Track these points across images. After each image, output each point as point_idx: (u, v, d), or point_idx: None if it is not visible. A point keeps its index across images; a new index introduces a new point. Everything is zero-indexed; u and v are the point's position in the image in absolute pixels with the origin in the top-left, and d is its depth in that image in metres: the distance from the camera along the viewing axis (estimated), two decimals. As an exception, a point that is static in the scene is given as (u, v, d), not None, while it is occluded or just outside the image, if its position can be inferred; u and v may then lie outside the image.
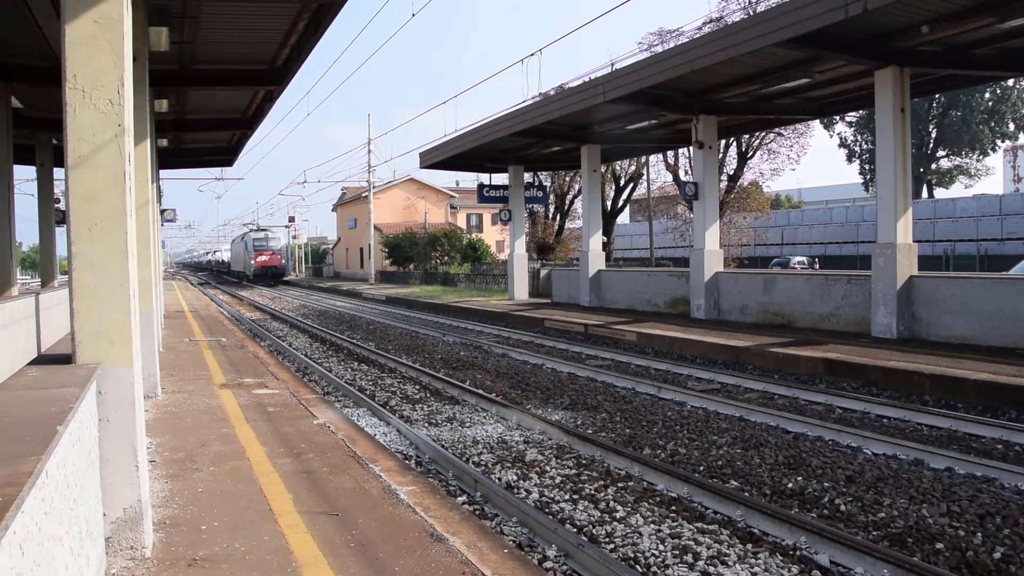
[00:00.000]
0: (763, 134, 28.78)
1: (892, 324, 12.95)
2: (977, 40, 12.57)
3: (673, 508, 5.88)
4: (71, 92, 3.95)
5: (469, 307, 23.99)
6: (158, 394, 9.36)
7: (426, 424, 9.01)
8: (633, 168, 35.30)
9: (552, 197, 35.90)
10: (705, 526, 5.46)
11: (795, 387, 10.33)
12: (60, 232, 18.34)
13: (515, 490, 6.40)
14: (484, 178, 28.75)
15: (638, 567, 4.85)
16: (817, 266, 40.27)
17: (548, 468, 6.99)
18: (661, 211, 44.34)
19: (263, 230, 60.16)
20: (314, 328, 21.09)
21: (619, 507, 5.88)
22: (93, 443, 3.88)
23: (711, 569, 4.76)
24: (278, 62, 13.37)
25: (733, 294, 17.19)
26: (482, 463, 7.26)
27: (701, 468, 6.94)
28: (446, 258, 46.07)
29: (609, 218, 35.05)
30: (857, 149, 57.14)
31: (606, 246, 30.37)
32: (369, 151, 50.59)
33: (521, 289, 26.39)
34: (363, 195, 54.96)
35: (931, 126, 53.01)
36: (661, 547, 5.11)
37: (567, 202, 37.44)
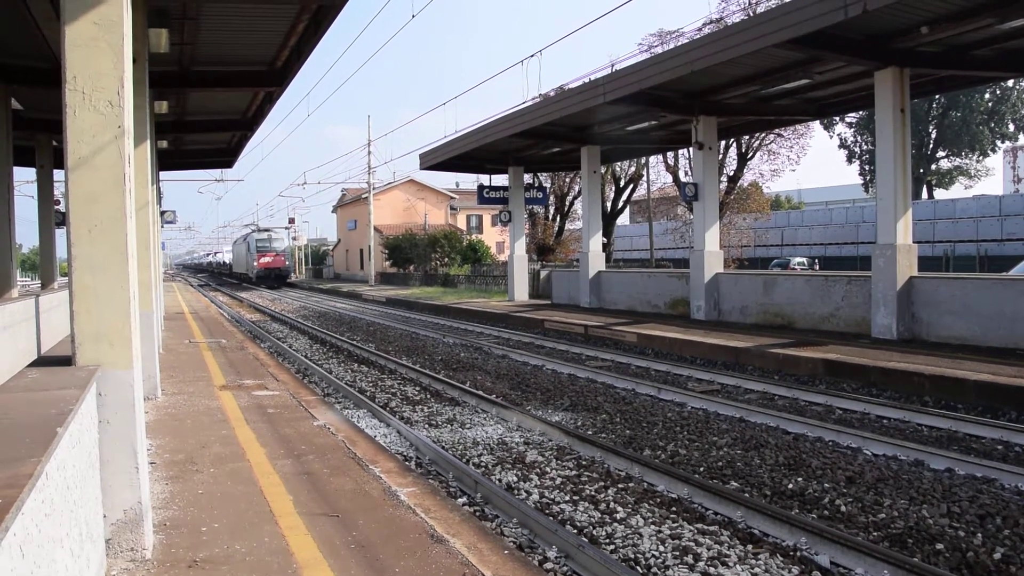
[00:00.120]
0: (763, 135, 28.79)
1: (892, 325, 12.95)
2: (977, 41, 12.57)
3: (673, 509, 5.88)
4: (71, 94, 3.95)
5: (469, 308, 23.99)
6: (158, 396, 9.36)
7: (426, 425, 9.01)
8: (633, 169, 35.32)
9: (552, 198, 35.91)
10: (705, 527, 5.46)
11: (795, 388, 10.33)
12: (60, 234, 18.35)
13: (515, 491, 6.40)
14: (484, 179, 28.81)
15: (638, 568, 4.85)
16: (817, 267, 40.25)
17: (548, 469, 6.99)
18: (661, 212, 44.36)
19: (266, 230, 58.25)
20: (314, 329, 21.09)
21: (619, 508, 5.88)
22: (93, 445, 3.88)
23: (712, 570, 4.76)
24: (278, 63, 13.38)
25: (733, 295, 17.19)
26: (482, 464, 7.26)
27: (701, 469, 6.93)
28: (446, 259, 46.06)
29: (609, 219, 35.06)
30: (857, 150, 57.13)
31: (606, 247, 30.38)
32: (369, 152, 50.60)
33: (521, 290, 26.39)
34: (363, 196, 54.91)
35: (931, 127, 53.00)
36: (661, 548, 5.11)
37: (567, 203, 37.45)
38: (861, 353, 11.53)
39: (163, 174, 26.47)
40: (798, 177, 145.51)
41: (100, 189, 4.02)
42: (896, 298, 12.93)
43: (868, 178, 55.78)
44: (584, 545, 4.95)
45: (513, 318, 20.76)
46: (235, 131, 20.29)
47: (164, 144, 19.07)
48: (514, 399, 10.33)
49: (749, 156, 30.42)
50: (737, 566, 4.79)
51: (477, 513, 5.80)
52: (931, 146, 53.57)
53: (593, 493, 6.27)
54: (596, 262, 22.32)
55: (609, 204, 35.55)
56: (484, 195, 27.28)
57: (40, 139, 17.74)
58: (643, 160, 33.62)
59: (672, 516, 5.72)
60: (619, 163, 34.14)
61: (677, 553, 5.01)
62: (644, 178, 35.42)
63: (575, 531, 5.45)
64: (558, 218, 37.97)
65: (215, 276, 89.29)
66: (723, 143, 27.93)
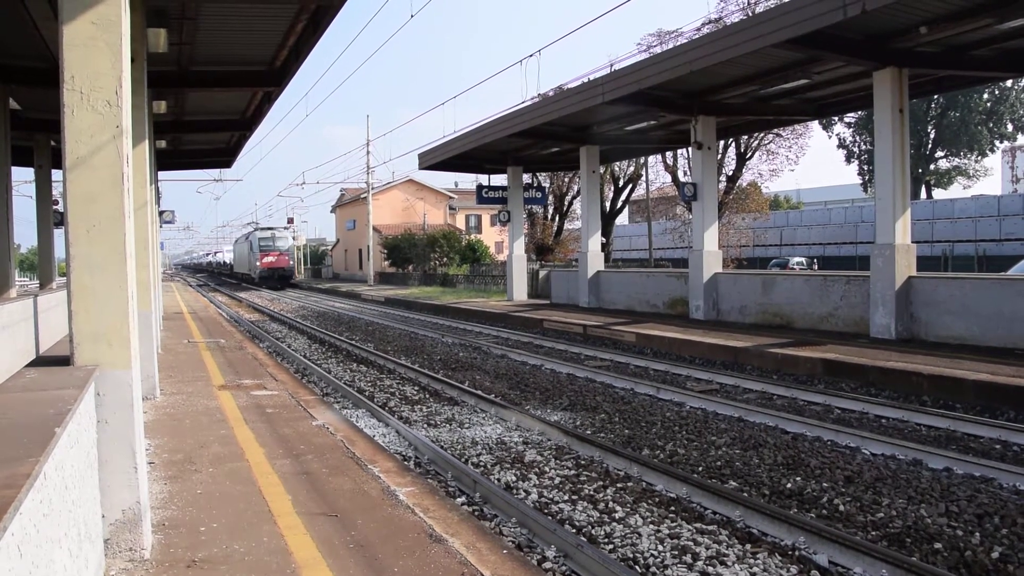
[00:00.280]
0: (762, 135, 28.80)
1: (891, 324, 12.96)
2: (976, 41, 12.58)
3: (672, 508, 5.88)
4: (69, 93, 3.95)
5: (468, 308, 23.99)
6: (157, 396, 9.35)
7: (425, 425, 9.01)
8: (632, 169, 35.33)
9: (551, 198, 35.91)
10: (704, 526, 5.46)
11: (794, 387, 10.33)
12: (58, 234, 18.33)
13: (514, 491, 6.40)
14: (483, 179, 28.82)
15: (637, 567, 4.85)
16: (816, 267, 40.29)
17: (547, 469, 7.00)
18: (660, 212, 44.36)
19: (269, 229, 55.73)
20: (313, 329, 21.09)
21: (618, 507, 5.88)
22: (91, 445, 3.88)
23: (710, 569, 4.76)
24: (277, 63, 13.37)
25: (732, 295, 17.20)
26: (481, 464, 7.26)
27: (700, 468, 6.94)
28: (445, 259, 46.06)
29: (608, 219, 35.07)
30: (856, 150, 57.15)
31: (605, 247, 30.40)
32: (368, 152, 50.60)
33: (520, 290, 26.39)
34: (362, 196, 54.88)
35: (930, 127, 53.02)
36: (660, 547, 5.11)
37: (566, 203, 37.44)
38: (860, 353, 11.54)
39: (162, 174, 26.47)
40: (797, 177, 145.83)
41: (98, 189, 4.02)
42: (895, 298, 12.94)
43: (867, 178, 55.81)
44: (583, 544, 4.95)
45: (512, 318, 20.76)
46: (234, 131, 20.28)
47: (163, 144, 19.06)
48: (513, 399, 10.33)
49: (748, 156, 30.44)
50: (736, 565, 4.80)
51: (476, 513, 5.80)
52: (930, 146, 53.60)
53: (592, 492, 6.27)
54: (595, 262, 22.32)
55: (608, 204, 35.55)
56: (483, 195, 27.28)
57: (38, 139, 17.72)
58: (642, 160, 33.64)
59: (671, 515, 5.72)
60: (618, 163, 34.15)
61: (676, 552, 5.02)
62: (643, 178, 35.45)
63: (574, 530, 5.45)
64: (557, 218, 37.98)
65: (214, 276, 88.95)
66: (722, 143, 27.93)
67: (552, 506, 6.02)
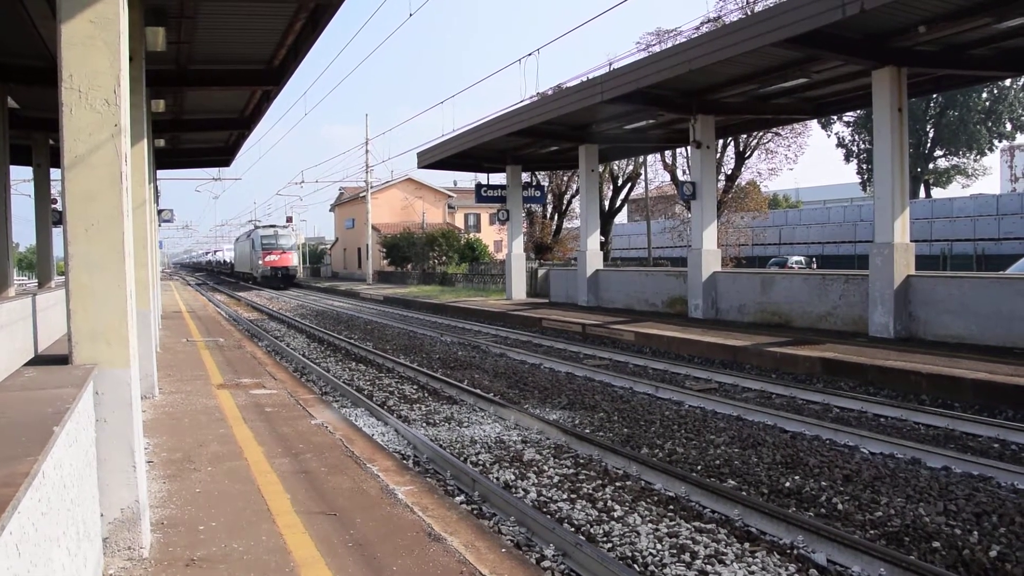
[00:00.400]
0: (761, 134, 28.81)
1: (889, 323, 12.97)
2: (974, 40, 12.59)
3: (671, 507, 5.89)
4: (67, 92, 3.95)
5: (467, 307, 23.99)
6: (155, 394, 9.35)
7: (424, 424, 9.01)
8: (631, 168, 35.33)
9: (550, 197, 35.91)
10: (703, 525, 5.47)
11: (793, 386, 10.34)
12: (57, 233, 18.31)
13: (513, 489, 6.40)
14: (482, 178, 28.75)
15: (636, 566, 4.86)
16: (815, 266, 40.31)
17: (546, 467, 7.00)
18: (659, 211, 44.35)
19: (272, 227, 53.43)
20: (312, 328, 21.08)
21: (617, 506, 5.88)
22: (90, 444, 3.88)
23: (709, 568, 4.76)
24: (275, 62, 13.36)
25: (731, 294, 17.20)
26: (480, 463, 7.26)
27: (699, 467, 6.94)
28: (444, 258, 46.06)
29: (607, 218, 35.08)
30: (855, 149, 57.15)
31: (604, 246, 30.41)
32: (367, 151, 50.63)
33: (519, 289, 26.39)
34: (361, 195, 54.84)
35: (928, 126, 53.03)
36: (659, 546, 5.12)
37: (565, 202, 37.44)
38: (858, 352, 11.55)
39: (160, 173, 26.48)
40: (796, 176, 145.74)
41: (97, 188, 4.02)
42: (893, 297, 12.95)
43: (866, 177, 55.81)
44: (581, 543, 4.96)
45: (511, 317, 20.76)
46: (232, 130, 20.27)
47: (161, 143, 19.06)
48: (512, 397, 10.33)
49: (747, 155, 30.44)
50: (734, 564, 4.80)
51: (475, 511, 5.80)
52: (928, 145, 53.61)
53: (591, 491, 6.28)
54: (594, 261, 22.33)
55: (607, 203, 35.57)
56: (482, 194, 27.28)
57: (37, 138, 17.72)
58: (641, 159, 33.65)
59: (669, 514, 5.72)
60: (617, 162, 34.15)
61: (674, 551, 5.02)
62: (642, 177, 35.46)
63: (572, 529, 5.45)
64: (556, 217, 37.98)
65: (213, 275, 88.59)
66: (721, 142, 27.94)
67: (551, 505, 6.02)
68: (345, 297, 38.02)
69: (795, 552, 4.96)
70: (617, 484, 6.46)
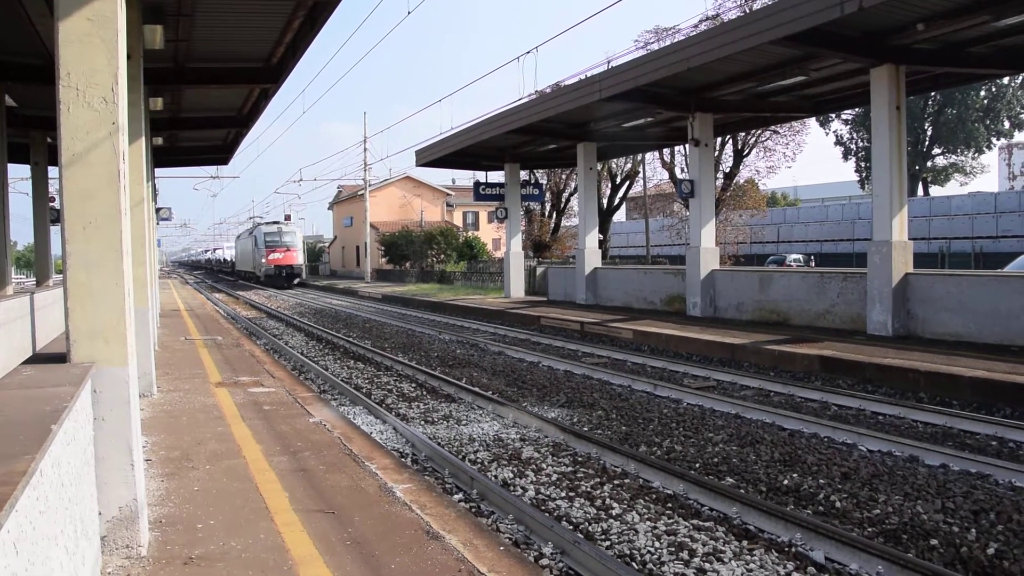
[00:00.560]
0: (759, 132, 28.81)
1: (888, 321, 12.98)
2: (973, 38, 12.59)
3: (669, 505, 5.89)
4: (65, 90, 3.94)
5: (465, 305, 24.00)
6: (154, 393, 9.35)
7: (422, 422, 9.01)
8: (629, 166, 35.34)
9: (548, 195, 35.91)
10: (701, 523, 5.47)
11: (791, 384, 10.35)
12: (55, 231, 18.29)
13: (511, 487, 6.41)
14: (480, 176, 28.77)
15: (634, 564, 4.86)
16: (813, 264, 40.32)
17: (544, 465, 7.00)
18: (657, 209, 44.35)
19: (275, 223, 51.24)
20: (310, 326, 21.08)
21: (615, 504, 5.88)
22: (88, 442, 3.88)
23: (707, 566, 4.77)
24: (274, 60, 13.34)
25: (729, 292, 17.21)
26: (478, 461, 7.26)
27: (697, 465, 6.95)
28: (442, 256, 46.07)
29: (605, 216, 35.09)
30: (853, 147, 57.18)
31: (602, 244, 30.42)
32: (365, 149, 50.63)
33: (517, 287, 26.40)
34: (359, 193, 54.81)
35: (927, 124, 53.07)
36: (657, 544, 5.12)
37: (563, 200, 37.45)
38: (856, 350, 11.56)
39: (158, 171, 26.44)
40: (794, 174, 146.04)
41: (95, 186, 4.01)
42: (891, 295, 12.96)
43: (864, 175, 55.85)
44: (580, 541, 4.96)
45: (509, 315, 20.76)
46: (230, 128, 20.23)
47: (159, 141, 19.02)
48: (510, 395, 10.33)
49: (745, 153, 30.44)
50: (732, 562, 4.81)
51: (473, 509, 5.80)
52: (927, 143, 53.66)
53: (589, 489, 6.28)
54: (592, 259, 22.33)
55: (605, 201, 35.58)
56: (480, 192, 27.26)
57: (34, 136, 17.69)
58: (639, 157, 33.63)
59: (668, 512, 5.73)
60: (615, 160, 34.15)
61: (673, 549, 5.03)
62: (640, 175, 35.45)
63: (571, 527, 5.45)
64: (554, 215, 38.00)
65: (211, 273, 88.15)
66: (719, 140, 27.95)
67: (549, 503, 6.02)
68: (343, 295, 38.01)
69: (793, 550, 4.96)
70: (615, 482, 6.46)
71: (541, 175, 34.88)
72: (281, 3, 10.61)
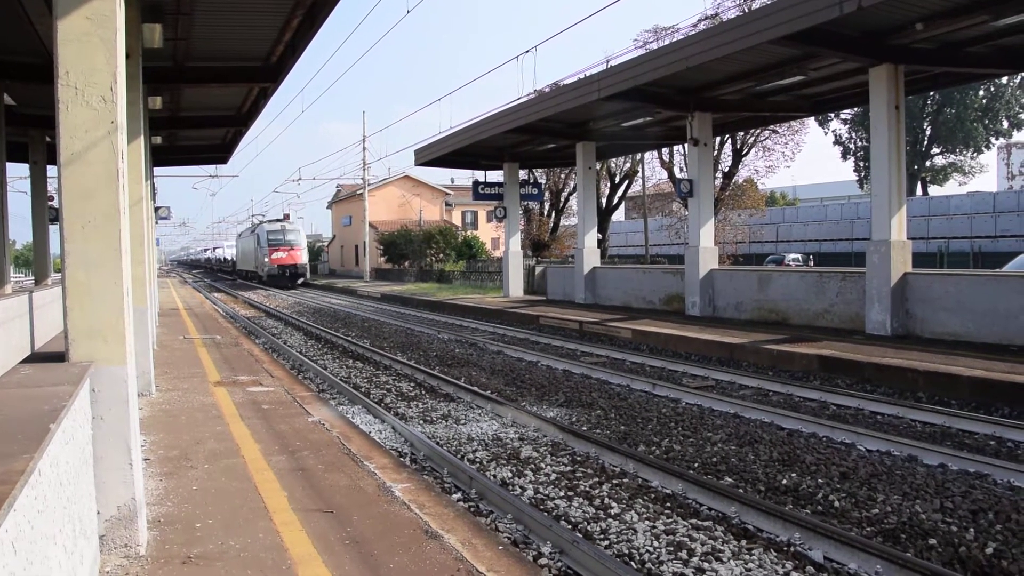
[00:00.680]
0: (758, 131, 28.79)
1: (886, 321, 12.98)
2: (971, 38, 12.60)
3: (668, 505, 5.89)
4: (64, 89, 3.94)
5: (464, 304, 23.99)
6: (152, 392, 9.34)
7: (421, 421, 9.01)
8: (628, 165, 35.32)
9: (547, 194, 35.89)
10: (700, 522, 5.47)
11: (789, 384, 10.35)
12: (53, 230, 18.28)
13: (510, 487, 6.41)
14: (479, 175, 28.71)
15: (633, 563, 4.86)
16: (812, 263, 40.34)
17: (543, 465, 7.00)
18: (656, 208, 44.37)
19: (279, 221, 49.60)
20: (309, 326, 21.07)
21: (614, 504, 5.88)
22: (87, 441, 3.88)
23: (705, 565, 4.77)
24: (273, 59, 13.33)
25: (728, 291, 17.22)
26: (477, 460, 7.26)
27: (696, 465, 6.95)
28: (441, 255, 46.06)
29: (604, 215, 35.06)
30: (852, 146, 57.19)
31: (601, 243, 30.40)
32: (364, 148, 50.59)
33: (516, 286, 26.39)
34: (358, 192, 54.78)
35: (925, 123, 53.08)
36: (656, 543, 5.12)
37: (562, 199, 37.45)
38: (855, 349, 11.56)
39: (157, 170, 26.40)
40: (793, 173, 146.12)
41: (93, 185, 4.01)
42: (890, 294, 12.97)
43: (863, 174, 55.86)
44: (579, 541, 4.96)
45: (508, 314, 20.76)
46: (229, 127, 20.21)
47: (158, 140, 19.00)
48: (509, 395, 10.33)
49: (744, 152, 30.44)
50: (731, 561, 4.81)
51: (472, 509, 5.80)
52: (925, 143, 53.68)
53: (588, 489, 6.28)
54: (591, 258, 22.33)
55: (604, 200, 35.55)
56: (479, 191, 27.25)
57: (33, 135, 17.67)
58: (638, 156, 33.62)
59: (666, 512, 5.73)
60: (614, 159, 34.13)
61: (671, 548, 5.03)
62: (639, 174, 35.44)
63: (569, 527, 5.45)
64: (553, 214, 37.99)
65: (210, 272, 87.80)
66: (718, 139, 27.94)
67: (548, 502, 6.02)
68: (342, 294, 38.00)
69: (792, 549, 4.97)
70: (614, 481, 6.46)
71: (540, 174, 34.86)
72: (280, 2, 10.60)
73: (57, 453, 2.96)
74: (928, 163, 55.21)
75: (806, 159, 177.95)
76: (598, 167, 31.20)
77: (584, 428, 8.37)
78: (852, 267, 19.07)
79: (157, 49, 10.39)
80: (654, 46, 27.00)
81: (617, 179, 35.99)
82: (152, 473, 5.89)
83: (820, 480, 6.35)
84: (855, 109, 43.61)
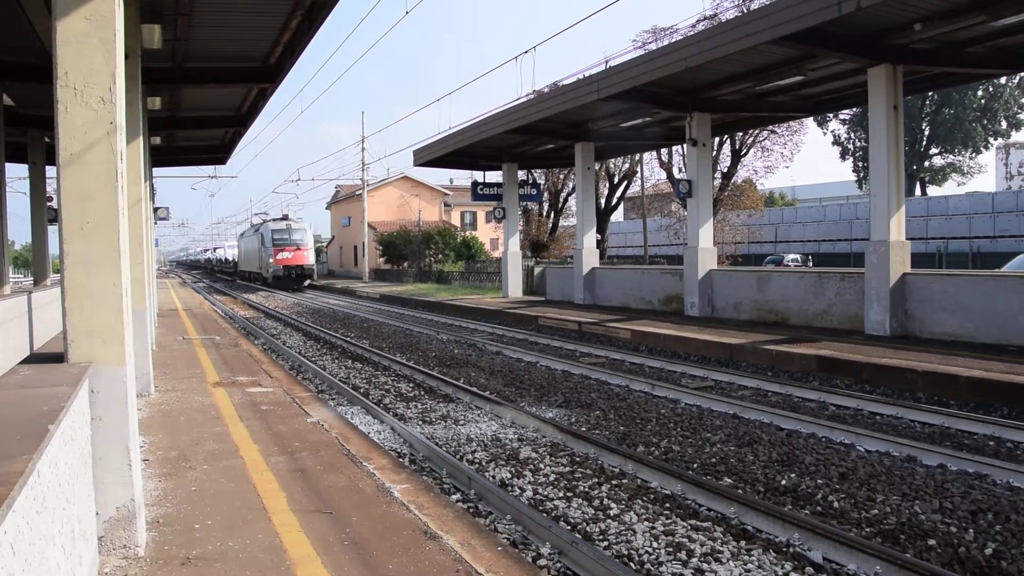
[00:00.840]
0: (757, 132, 28.81)
1: (885, 321, 12.99)
2: (970, 38, 12.61)
3: (667, 505, 5.89)
4: (63, 90, 3.94)
5: (463, 305, 23.99)
6: (151, 392, 9.34)
7: (420, 422, 9.01)
8: (627, 166, 35.32)
9: (546, 195, 35.89)
10: (699, 523, 5.47)
11: (788, 384, 10.35)
12: (52, 230, 18.27)
13: (509, 488, 6.40)
14: (478, 176, 28.73)
15: (632, 564, 4.86)
16: (811, 264, 40.34)
17: (542, 466, 7.00)
18: (655, 209, 44.38)
19: (284, 219, 47.27)
20: (308, 326, 21.07)
21: (613, 504, 5.88)
22: (86, 442, 3.87)
23: (705, 566, 4.77)
24: (271, 60, 13.34)
25: (727, 291, 17.22)
26: (476, 461, 7.26)
27: (695, 465, 6.95)
28: (440, 256, 46.05)
29: (603, 216, 35.06)
30: (851, 147, 57.23)
31: (600, 244, 30.40)
32: (363, 149, 50.59)
33: (515, 287, 26.39)
34: (357, 193, 54.76)
35: (924, 124, 53.12)
36: (655, 544, 5.12)
37: (561, 200, 37.45)
38: (854, 349, 11.57)
39: (156, 170, 26.39)
40: (792, 174, 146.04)
41: (92, 186, 4.00)
42: (889, 295, 12.97)
43: (862, 175, 55.90)
44: (578, 541, 4.96)
45: (507, 314, 20.76)
46: (228, 127, 20.22)
47: (157, 140, 18.98)
48: (508, 396, 10.33)
49: (743, 153, 30.45)
50: (730, 562, 4.81)
51: (471, 510, 5.80)
52: (924, 143, 53.72)
53: (587, 490, 6.28)
54: (590, 258, 22.33)
55: (603, 201, 35.56)
56: (478, 192, 27.25)
57: (32, 135, 17.67)
58: (637, 157, 33.61)
59: (665, 512, 5.73)
60: (613, 159, 34.14)
61: (670, 549, 5.03)
62: (638, 175, 35.43)
63: (568, 527, 5.45)
64: (552, 214, 37.99)
65: (209, 273, 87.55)
66: (717, 140, 27.95)
67: (547, 503, 6.02)
68: (341, 295, 37.99)
69: (791, 550, 4.97)
70: (613, 482, 6.46)
71: (539, 175, 34.88)
72: (279, 3, 10.60)
73: (56, 454, 2.96)
74: (927, 163, 55.26)
75: (805, 159, 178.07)
76: (597, 167, 31.21)
77: (583, 429, 8.37)
78: (851, 267, 19.09)
79: (156, 50, 10.38)
80: (653, 47, 27.02)
81: (616, 180, 36.01)
82: (151, 474, 5.88)
83: (819, 480, 6.35)
84: (854, 109, 43.61)
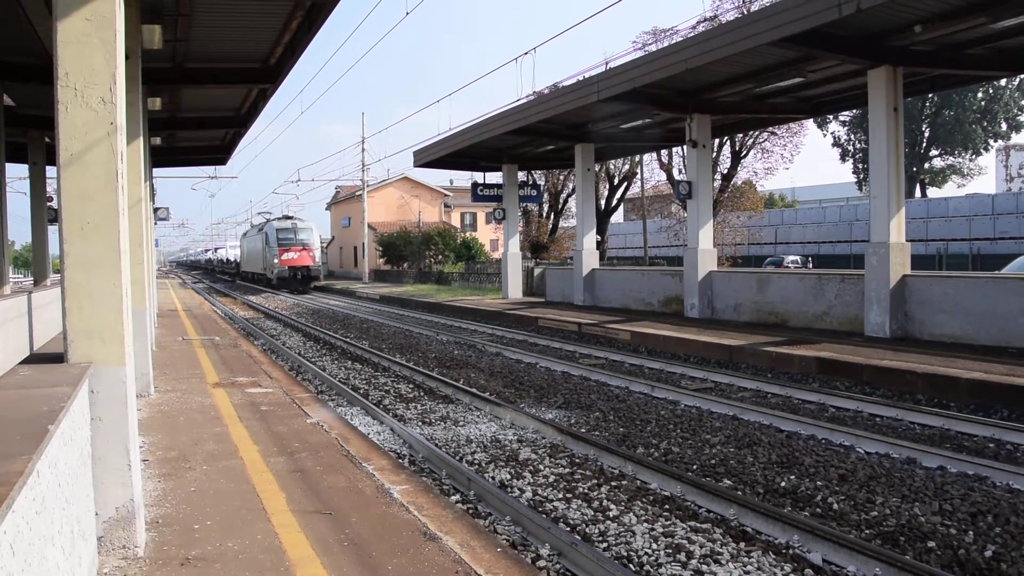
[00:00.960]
0: (757, 133, 28.82)
1: (885, 323, 12.99)
2: (970, 40, 12.61)
3: (666, 507, 5.89)
4: (63, 90, 3.94)
5: (463, 306, 23.98)
6: (151, 393, 9.34)
7: (420, 423, 9.01)
8: (627, 167, 35.32)
9: (546, 196, 35.89)
10: (698, 525, 5.47)
11: (788, 386, 10.35)
12: (52, 231, 18.27)
13: (508, 489, 6.40)
14: (478, 177, 28.73)
15: (631, 566, 4.86)
16: (811, 265, 40.34)
17: (542, 467, 7.00)
18: (655, 210, 44.40)
19: (289, 219, 45.83)
20: (307, 327, 21.07)
21: (612, 506, 5.88)
22: (85, 442, 3.87)
23: (704, 568, 4.77)
24: (272, 60, 13.34)
25: (727, 293, 17.22)
26: (475, 462, 7.26)
27: (694, 467, 6.95)
28: (440, 257, 46.05)
29: (603, 217, 35.06)
30: (851, 148, 57.22)
31: (600, 245, 30.39)
32: (363, 149, 50.57)
33: (515, 288, 26.39)
34: (357, 194, 54.71)
35: (924, 125, 53.12)
36: (654, 546, 5.12)
37: (561, 201, 37.45)
38: (854, 351, 11.56)
39: (156, 171, 26.39)
40: (792, 175, 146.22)
41: (93, 186, 4.01)
42: (889, 296, 12.97)
43: (861, 176, 55.89)
44: (577, 543, 4.96)
45: (507, 316, 20.76)
46: (228, 128, 20.22)
47: (157, 141, 18.98)
48: (508, 397, 10.33)
49: (743, 154, 30.46)
50: (730, 564, 4.81)
51: (470, 511, 5.80)
52: (924, 145, 53.72)
53: (586, 491, 6.28)
54: (590, 260, 22.33)
55: (603, 202, 35.56)
56: (478, 193, 27.25)
57: (33, 135, 17.68)
58: (637, 158, 33.62)
59: (665, 514, 5.73)
60: (613, 161, 34.15)
61: (670, 551, 5.02)
62: (638, 176, 35.43)
63: (568, 529, 5.45)
64: (552, 216, 38.00)
65: (209, 273, 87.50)
66: (717, 141, 27.96)
67: (546, 504, 6.02)
68: (341, 296, 37.98)
69: (791, 552, 4.96)
70: (613, 484, 6.46)
71: (539, 176, 34.88)
72: (279, 4, 10.61)
73: (56, 454, 2.96)
74: (927, 165, 55.26)
75: (805, 161, 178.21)
76: (597, 169, 31.22)
77: (583, 430, 8.37)
78: (851, 269, 19.08)
79: (156, 50, 10.38)
80: (653, 48, 27.02)
81: (616, 181, 36.01)
82: (150, 474, 5.88)
83: (819, 482, 6.35)
84: (854, 111, 43.66)
